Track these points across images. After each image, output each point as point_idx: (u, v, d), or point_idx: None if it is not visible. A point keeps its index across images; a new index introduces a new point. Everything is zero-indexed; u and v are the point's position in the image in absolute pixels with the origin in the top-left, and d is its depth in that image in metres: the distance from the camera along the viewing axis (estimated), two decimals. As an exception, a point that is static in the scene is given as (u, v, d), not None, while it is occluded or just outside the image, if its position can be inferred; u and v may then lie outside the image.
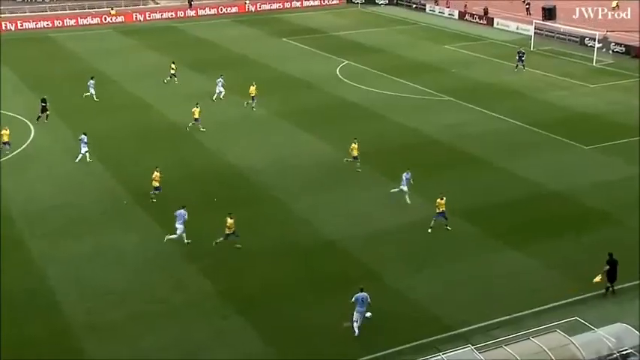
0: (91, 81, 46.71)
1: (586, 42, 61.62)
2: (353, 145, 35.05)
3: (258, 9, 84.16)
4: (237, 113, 44.24)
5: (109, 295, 25.10)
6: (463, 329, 22.85)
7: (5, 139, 37.00)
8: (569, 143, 38.52)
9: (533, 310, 23.68)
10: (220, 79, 47.01)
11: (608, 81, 51.50)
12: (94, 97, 46.04)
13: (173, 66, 51.11)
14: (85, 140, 35.80)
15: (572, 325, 21.49)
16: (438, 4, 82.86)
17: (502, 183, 33.73)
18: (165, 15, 79.70)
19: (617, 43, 60.08)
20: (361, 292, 22.73)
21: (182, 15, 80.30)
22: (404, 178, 31.15)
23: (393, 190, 31.37)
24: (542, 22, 67.86)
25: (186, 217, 27.71)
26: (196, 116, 40.36)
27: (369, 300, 22.53)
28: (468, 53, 60.55)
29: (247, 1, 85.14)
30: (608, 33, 61.58)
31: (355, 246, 27.98)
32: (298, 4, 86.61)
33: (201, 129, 40.16)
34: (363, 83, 50.82)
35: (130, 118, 43.14)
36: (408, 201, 30.86)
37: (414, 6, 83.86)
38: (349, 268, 26.52)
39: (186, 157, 37.18)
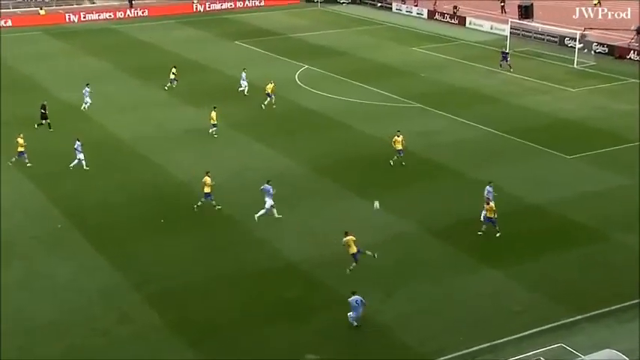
0: (87, 88, 46.40)
1: (566, 42, 62.75)
2: (396, 138, 36.65)
3: (208, 9, 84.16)
4: (186, 124, 44.03)
5: (42, 328, 24.65)
6: (438, 359, 22.92)
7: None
8: (550, 152, 39.08)
9: (514, 337, 23.75)
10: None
11: (590, 84, 52.49)
12: (86, 106, 45.83)
13: (174, 70, 51.42)
14: (80, 148, 37.02)
15: (557, 353, 21.64)
16: (405, 3, 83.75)
17: (477, 196, 33.95)
18: (103, 15, 79.16)
19: (599, 43, 61.21)
20: (353, 295, 24.10)
21: (122, 15, 79.87)
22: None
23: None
24: (518, 21, 68.98)
25: (272, 191, 30.89)
26: (215, 121, 41.36)
27: (364, 301, 24.07)
28: (439, 56, 61.21)
29: (195, 1, 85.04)
30: (588, 31, 62.84)
31: (319, 268, 27.95)
32: (252, 3, 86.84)
33: (214, 135, 41.26)
34: (324, 89, 51.01)
35: (64, 129, 42.62)
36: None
37: (379, 5, 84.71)
38: (312, 294, 26.47)
39: (129, 173, 36.84)
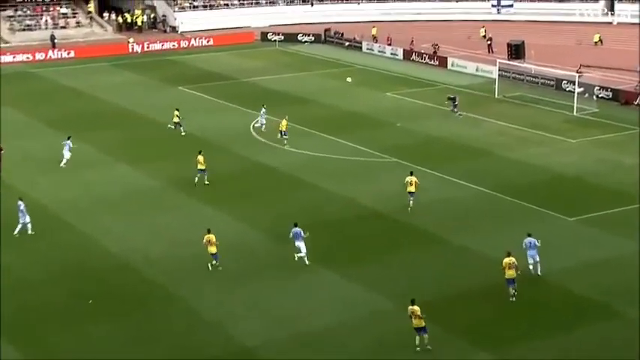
0: (67, 141, 47.26)
1: (564, 86, 63.83)
2: (409, 178, 39.51)
3: (146, 49, 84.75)
4: (119, 186, 43.78)
5: None
6: None
7: None
8: (548, 214, 39.35)
9: None
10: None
11: (592, 134, 53.27)
12: (64, 162, 46.73)
13: (177, 113, 53.42)
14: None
15: None
16: (377, 42, 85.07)
17: (463, 267, 33.98)
18: (20, 57, 79.11)
19: (602, 87, 62.24)
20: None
21: (43, 57, 80.00)
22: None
23: None
24: (507, 62, 70.28)
25: (303, 234, 33.51)
26: (203, 165, 43.34)
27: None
28: (416, 102, 61.94)
29: (131, 40, 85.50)
30: (585, 70, 64.11)
31: (280, 354, 27.65)
32: (198, 42, 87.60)
33: (206, 182, 43.30)
34: (283, 142, 51.20)
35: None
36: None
37: (347, 44, 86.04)
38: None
39: (50, 245, 36.35)
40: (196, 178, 43.44)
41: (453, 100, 57.76)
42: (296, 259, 33.80)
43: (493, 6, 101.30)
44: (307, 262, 33.74)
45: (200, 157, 43.51)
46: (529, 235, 33.19)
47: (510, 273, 30.94)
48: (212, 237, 33.52)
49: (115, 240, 36.83)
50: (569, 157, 48.49)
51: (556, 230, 37.55)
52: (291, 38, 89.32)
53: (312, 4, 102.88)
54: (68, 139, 47.62)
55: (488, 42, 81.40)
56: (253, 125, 54.99)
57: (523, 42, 74.90)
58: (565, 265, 34.00)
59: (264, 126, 53.22)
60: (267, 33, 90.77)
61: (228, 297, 31.54)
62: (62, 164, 46.54)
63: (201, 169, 43.46)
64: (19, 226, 37.38)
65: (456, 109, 57.25)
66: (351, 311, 30.28)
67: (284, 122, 50.99)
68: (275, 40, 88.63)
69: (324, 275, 33.13)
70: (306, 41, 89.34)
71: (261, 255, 35.23)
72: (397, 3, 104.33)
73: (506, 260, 30.97)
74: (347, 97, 63.36)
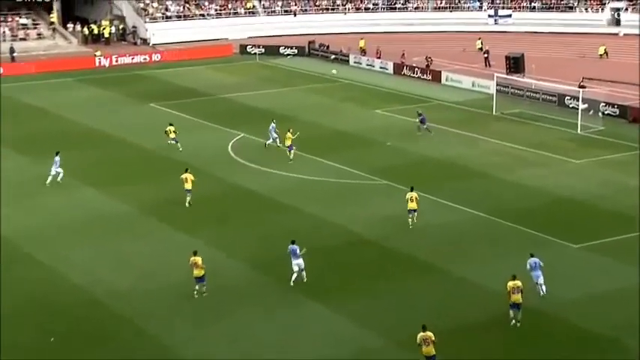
0: (56, 157, 47.40)
1: (567, 102, 64.06)
2: (410, 194, 40.70)
3: (115, 63, 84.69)
4: (84, 212, 43.54)
5: None
6: None
7: None
8: (550, 240, 39.30)
9: None
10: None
11: (598, 154, 53.44)
12: (59, 178, 47.30)
13: (171, 128, 54.15)
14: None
15: None
16: (365, 55, 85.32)
17: (460, 298, 33.85)
18: (-24, 72, 78.89)
19: (608, 103, 62.35)
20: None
21: (0, 72, 79.58)
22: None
23: None
24: (506, 76, 70.53)
25: (299, 251, 34.44)
26: (188, 187, 43.96)
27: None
28: (408, 120, 61.79)
29: (98, 53, 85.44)
30: (587, 83, 64.33)
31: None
32: (171, 56, 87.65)
33: (189, 203, 43.81)
34: (265, 163, 51.13)
35: None
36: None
37: (333, 57, 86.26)
38: None
39: (8, 278, 35.95)
40: (188, 198, 43.88)
41: (422, 117, 57.54)
42: (291, 283, 34.28)
43: (490, 16, 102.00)
44: (305, 279, 34.51)
45: (188, 175, 43.96)
46: (532, 256, 33.52)
47: (516, 298, 30.99)
48: (198, 260, 33.61)
49: (81, 271, 36.54)
50: (572, 179, 48.60)
51: (559, 258, 37.46)
52: (272, 51, 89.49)
53: (294, 15, 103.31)
54: (57, 154, 47.48)
55: (485, 55, 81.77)
56: (231, 145, 54.96)
57: (522, 55, 75.24)
58: (570, 296, 33.91)
59: (278, 140, 53.51)
60: (247, 45, 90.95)
61: (204, 332, 31.29)
62: (58, 179, 47.22)
63: (188, 189, 43.89)
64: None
65: (425, 126, 57.17)
66: (338, 348, 30.09)
67: (288, 135, 51.70)
68: (255, 53, 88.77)
69: (309, 307, 32.95)
70: (288, 54, 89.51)
71: (241, 286, 35.02)
72: (387, 13, 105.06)
73: (511, 284, 31.06)
74: (333, 115, 63.40)
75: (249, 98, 69.73)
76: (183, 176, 44.18)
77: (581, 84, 66.69)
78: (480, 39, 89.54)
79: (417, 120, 57.72)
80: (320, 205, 44.23)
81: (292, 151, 51.40)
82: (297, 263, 34.49)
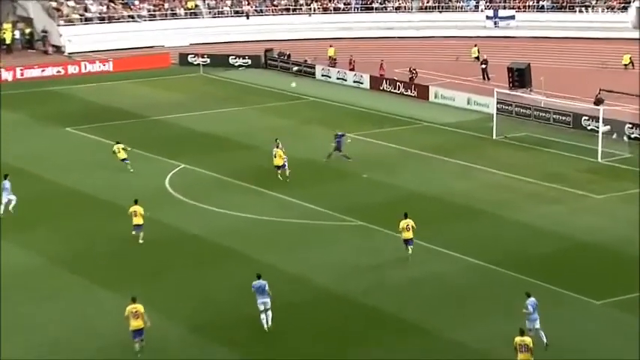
0: (5, 181, 49.68)
1: (584, 123, 64.33)
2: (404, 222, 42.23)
3: (20, 77, 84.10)
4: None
5: None
6: None
7: None
8: (568, 295, 39.25)
9: None
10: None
11: (623, 188, 53.57)
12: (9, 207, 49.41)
13: (120, 146, 56.16)
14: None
15: None
16: (335, 65, 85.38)
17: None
18: None
19: (635, 125, 62.49)
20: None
21: None
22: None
23: None
24: (509, 91, 70.74)
25: (267, 287, 35.98)
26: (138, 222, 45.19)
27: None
28: (388, 146, 62.10)
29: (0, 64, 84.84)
30: (610, 103, 64.59)
31: None
32: (94, 67, 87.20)
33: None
34: (211, 201, 51.00)
35: None
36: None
37: (296, 69, 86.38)
38: None
39: None
40: (141, 235, 44.89)
41: (338, 140, 57.57)
42: (266, 328, 35.53)
43: (489, 18, 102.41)
44: (269, 326, 35.71)
45: (137, 209, 44.96)
46: (529, 296, 34.17)
47: (524, 357, 31.15)
48: (139, 307, 33.90)
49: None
50: (592, 218, 48.72)
51: (578, 317, 37.51)
52: (220, 61, 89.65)
53: (247, 17, 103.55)
54: (5, 178, 49.16)
55: (483, 65, 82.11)
56: (169, 178, 54.65)
57: (528, 65, 75.63)
58: (592, 362, 33.95)
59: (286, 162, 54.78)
60: (188, 54, 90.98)
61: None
62: (10, 208, 49.12)
63: (138, 225, 44.83)
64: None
65: (340, 152, 57.24)
66: None
67: (280, 152, 53.90)
68: (198, 64, 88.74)
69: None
70: (240, 65, 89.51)
71: (179, 355, 34.75)
72: (361, 15, 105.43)
73: (518, 339, 31.43)
74: (295, 140, 63.08)
75: (192, 120, 69.47)
76: (132, 209, 44.75)
77: (599, 97, 66.94)
78: (476, 46, 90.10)
79: (333, 143, 57.52)
80: (278, 252, 44.01)
81: (286, 169, 53.96)
82: (264, 302, 35.55)
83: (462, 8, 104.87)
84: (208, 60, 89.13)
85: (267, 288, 35.73)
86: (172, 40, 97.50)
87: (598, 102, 66.16)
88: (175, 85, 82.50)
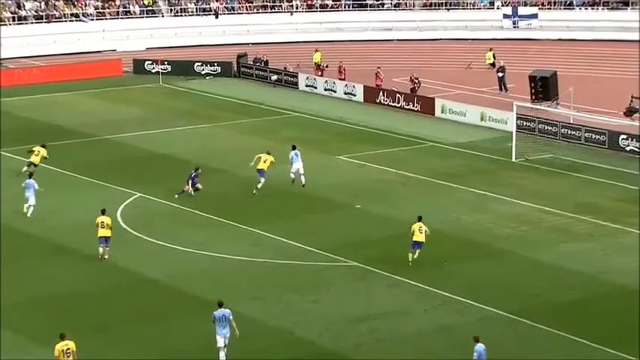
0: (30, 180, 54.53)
1: (622, 143, 64.64)
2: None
3: None
4: None
5: None
6: None
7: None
8: (606, 352, 39.13)
9: None
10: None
11: (671, 220, 53.73)
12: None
13: (40, 150, 59.81)
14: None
15: None
16: (322, 74, 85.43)
17: None
18: None
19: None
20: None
21: None
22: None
23: None
24: (531, 105, 70.88)
25: (231, 316, 37.37)
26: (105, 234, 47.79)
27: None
28: (386, 170, 62.26)
29: None
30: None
31: None
32: (27, 76, 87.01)
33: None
34: (172, 237, 51.03)
35: None
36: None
37: (275, 79, 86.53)
38: None
39: None
40: (107, 250, 46.24)
41: (192, 179, 57.51)
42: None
43: (506, 17, 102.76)
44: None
45: (104, 219, 47.32)
46: (477, 341, 35.17)
47: None
48: (71, 345, 34.84)
49: None
50: (633, 258, 48.53)
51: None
52: (183, 69, 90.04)
53: (216, 16, 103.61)
54: (30, 177, 54.38)
55: (500, 74, 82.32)
56: (121, 210, 54.58)
57: (554, 73, 75.82)
58: None
59: (301, 172, 58.44)
60: (145, 61, 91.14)
61: None
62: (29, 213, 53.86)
63: (105, 237, 46.66)
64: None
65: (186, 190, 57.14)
66: None
67: (264, 157, 57.77)
68: (157, 73, 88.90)
69: None
70: (208, 74, 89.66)
71: None
72: (354, 13, 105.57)
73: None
74: (274, 163, 63.09)
75: (149, 140, 69.49)
76: (99, 220, 46.77)
77: (631, 106, 66.98)
78: (491, 50, 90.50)
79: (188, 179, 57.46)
80: (254, 299, 43.93)
81: (262, 181, 57.09)
82: (225, 336, 36.92)
83: (474, 5, 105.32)
84: (169, 67, 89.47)
85: (230, 317, 36.95)
86: (126, 43, 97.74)
87: (630, 112, 66.26)
88: (129, 98, 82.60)
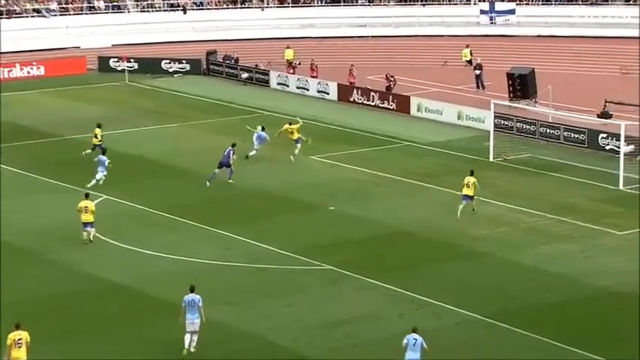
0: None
1: (601, 142, 64.88)
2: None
3: None
4: None
5: None
6: None
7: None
8: (586, 356, 39.25)
9: None
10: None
11: (650, 221, 53.98)
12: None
13: (98, 131, 63.52)
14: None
15: None
16: (294, 72, 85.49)
17: None
18: None
19: (664, 143, 63.12)
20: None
21: None
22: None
23: None
24: (509, 103, 71.03)
25: (200, 302, 38.90)
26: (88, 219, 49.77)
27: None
28: (360, 170, 62.41)
29: None
30: (610, 107, 64.99)
31: None
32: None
33: None
34: (139, 241, 50.94)
35: None
36: None
37: (245, 77, 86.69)
38: None
39: None
40: (92, 232, 47.73)
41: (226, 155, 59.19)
42: (185, 351, 38.05)
43: (483, 12, 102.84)
44: (190, 351, 38.26)
45: (87, 203, 49.37)
46: (414, 331, 35.96)
47: None
48: (24, 335, 35.49)
49: None
50: (614, 259, 48.90)
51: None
52: (150, 67, 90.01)
53: (184, 11, 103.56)
54: (103, 153, 59.74)
55: (477, 71, 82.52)
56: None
57: (532, 71, 75.99)
58: None
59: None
60: (110, 58, 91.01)
61: None
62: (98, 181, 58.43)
63: (89, 222, 49.19)
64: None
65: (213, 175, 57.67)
66: None
67: (290, 127, 64.11)
68: (123, 70, 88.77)
69: None
70: (176, 72, 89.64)
71: None
72: (327, 8, 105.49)
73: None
74: (246, 165, 63.17)
75: (114, 140, 68.99)
76: (82, 205, 49.35)
77: (605, 111, 67.32)
78: (468, 47, 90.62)
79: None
80: (225, 304, 43.90)
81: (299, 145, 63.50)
82: (193, 322, 38.33)
83: (450, 1, 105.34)
84: (135, 65, 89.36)
85: (200, 304, 38.29)
86: (90, 40, 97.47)
87: (604, 116, 66.55)
88: (94, 97, 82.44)
